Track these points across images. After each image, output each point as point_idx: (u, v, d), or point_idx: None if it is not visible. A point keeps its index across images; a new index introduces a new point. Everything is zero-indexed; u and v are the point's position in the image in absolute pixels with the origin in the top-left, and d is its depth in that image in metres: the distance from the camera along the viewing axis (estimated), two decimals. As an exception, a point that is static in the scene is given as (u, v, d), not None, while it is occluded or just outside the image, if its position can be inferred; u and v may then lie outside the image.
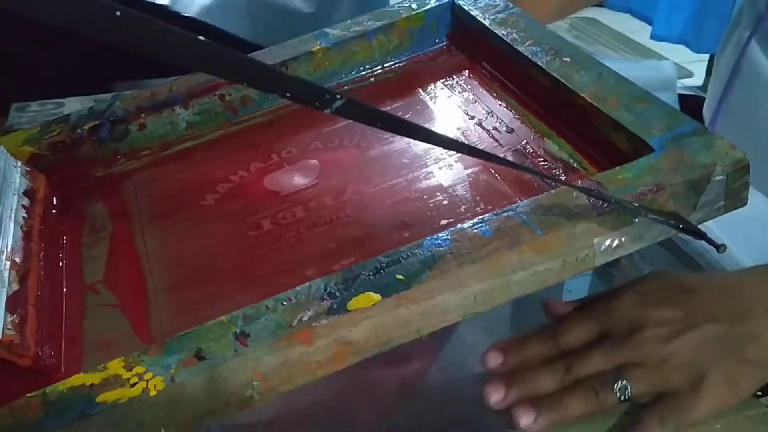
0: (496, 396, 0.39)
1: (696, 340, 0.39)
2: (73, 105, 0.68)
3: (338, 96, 0.30)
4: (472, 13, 0.56)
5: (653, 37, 2.04)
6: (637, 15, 2.16)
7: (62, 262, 0.45)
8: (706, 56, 1.96)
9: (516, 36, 0.51)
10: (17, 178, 0.46)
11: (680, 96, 0.89)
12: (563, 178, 0.42)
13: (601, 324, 0.41)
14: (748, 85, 0.71)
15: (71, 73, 0.84)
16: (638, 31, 2.25)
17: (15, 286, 0.39)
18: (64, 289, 0.43)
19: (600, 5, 2.53)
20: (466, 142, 0.47)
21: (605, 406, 0.38)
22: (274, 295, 0.34)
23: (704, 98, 0.86)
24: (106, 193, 0.51)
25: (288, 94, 0.29)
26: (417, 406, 0.43)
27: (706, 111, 0.82)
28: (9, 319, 0.36)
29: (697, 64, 2.03)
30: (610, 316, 0.41)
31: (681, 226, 0.35)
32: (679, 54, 1.89)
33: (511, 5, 0.55)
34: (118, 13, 0.23)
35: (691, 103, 0.86)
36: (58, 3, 0.22)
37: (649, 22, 2.10)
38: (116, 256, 0.45)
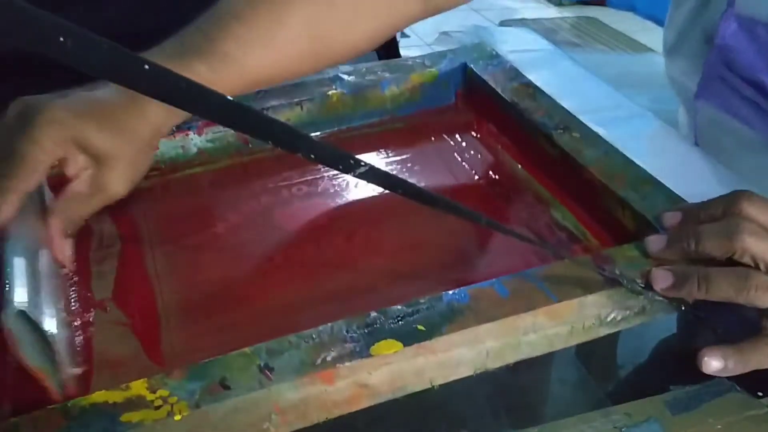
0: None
1: None
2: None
3: (362, 163, 0.31)
4: (483, 77, 0.58)
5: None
6: (641, 14, 2.19)
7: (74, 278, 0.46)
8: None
9: (527, 105, 0.54)
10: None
11: None
12: (570, 247, 0.44)
13: None
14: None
15: (71, 74, 0.83)
16: (639, 30, 2.28)
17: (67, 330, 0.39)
18: (76, 305, 0.43)
19: (602, 4, 2.56)
20: (473, 200, 0.50)
21: None
22: (285, 329, 0.36)
23: None
24: (114, 210, 0.51)
25: (312, 156, 0.30)
26: (417, 406, 0.44)
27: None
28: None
29: None
30: None
31: (683, 307, 0.37)
32: None
33: (522, 74, 0.58)
34: (146, 67, 0.24)
35: None
36: (90, 53, 0.23)
37: (656, 22, 2.11)
38: (125, 275, 0.45)
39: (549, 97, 0.55)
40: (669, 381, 0.39)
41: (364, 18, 0.51)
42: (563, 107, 0.53)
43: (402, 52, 0.97)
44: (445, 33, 2.09)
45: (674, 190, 0.44)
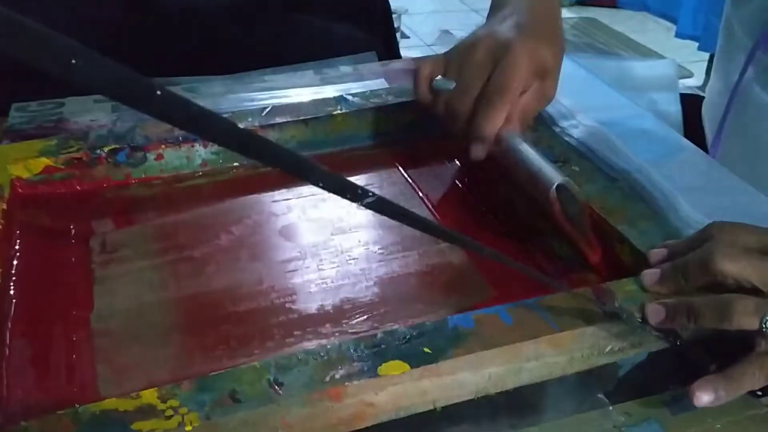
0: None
1: None
2: (73, 105, 0.67)
3: (370, 194, 0.32)
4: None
5: (677, 35, 2.05)
6: (654, 12, 2.21)
7: (69, 279, 0.46)
8: (706, 56, 2.00)
9: (528, 136, 0.55)
10: None
11: (681, 96, 0.88)
12: (567, 276, 0.46)
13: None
14: (746, 113, 0.73)
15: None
16: (638, 31, 2.29)
17: None
18: (70, 306, 0.44)
19: (612, 6, 2.57)
20: (473, 227, 0.51)
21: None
22: (289, 343, 0.38)
23: (703, 97, 0.86)
24: (116, 216, 0.52)
25: (320, 185, 0.31)
26: None
27: (709, 125, 0.82)
28: None
29: (697, 64, 2.06)
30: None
31: (678, 342, 0.38)
32: (678, 54, 1.93)
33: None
34: (159, 93, 0.25)
35: (691, 103, 0.87)
36: (101, 76, 0.24)
37: (670, 20, 2.12)
38: (127, 281, 0.46)
39: (551, 128, 0.56)
40: (669, 381, 0.40)
41: None
42: (564, 140, 0.55)
43: (402, 52, 0.98)
44: (446, 31, 2.10)
45: (674, 190, 0.45)
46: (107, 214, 0.52)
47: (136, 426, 0.32)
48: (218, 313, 0.44)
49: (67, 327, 0.42)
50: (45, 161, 0.53)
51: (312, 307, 0.44)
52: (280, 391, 0.34)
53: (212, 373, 0.34)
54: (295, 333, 0.42)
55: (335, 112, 0.59)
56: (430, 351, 0.36)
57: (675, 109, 0.79)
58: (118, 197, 0.54)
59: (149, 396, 0.33)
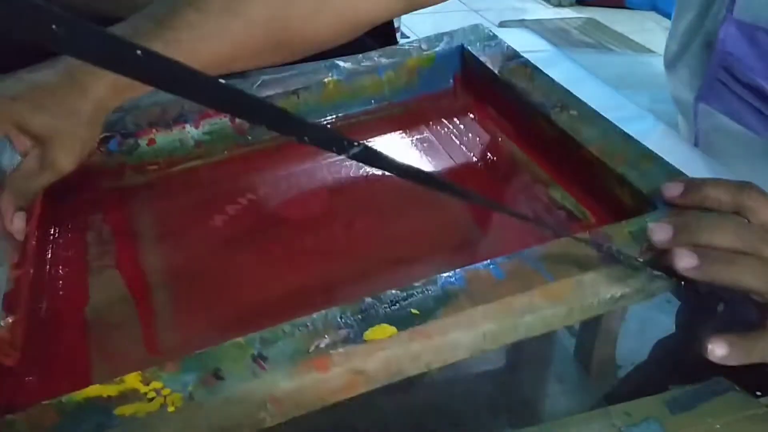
0: (662, 235, 0.37)
1: None
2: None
3: (356, 143, 0.31)
4: (480, 58, 0.58)
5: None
6: (663, 13, 2.18)
7: (66, 270, 0.46)
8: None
9: (524, 86, 0.53)
10: None
11: None
12: (568, 226, 0.44)
13: None
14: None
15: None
16: (638, 31, 2.28)
17: (11, 285, 0.40)
18: (65, 299, 0.43)
19: (602, 5, 2.56)
20: (471, 184, 0.49)
21: None
22: (284, 319, 0.35)
23: None
24: (113, 205, 0.51)
25: (306, 139, 0.30)
26: (417, 406, 0.44)
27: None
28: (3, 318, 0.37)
29: None
30: None
31: (683, 282, 0.36)
32: None
33: (520, 54, 0.57)
34: (139, 53, 0.24)
35: None
36: (82, 41, 0.23)
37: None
38: (123, 270, 0.45)
39: (547, 76, 0.54)
40: (668, 381, 0.38)
41: (328, 11, 0.50)
42: (561, 86, 0.52)
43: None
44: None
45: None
46: (103, 204, 0.52)
47: (119, 411, 0.31)
48: (214, 295, 0.43)
49: (62, 318, 0.42)
50: (37, 157, 0.52)
51: (310, 280, 0.43)
52: (264, 366, 0.33)
53: (196, 352, 0.34)
54: (291, 307, 0.41)
55: (326, 80, 0.58)
56: (418, 312, 0.35)
57: (673, 108, 0.77)
58: (114, 187, 0.54)
59: (132, 380, 0.32)
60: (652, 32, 2.27)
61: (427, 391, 0.45)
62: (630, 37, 2.25)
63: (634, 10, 2.50)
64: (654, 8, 2.34)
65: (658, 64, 0.80)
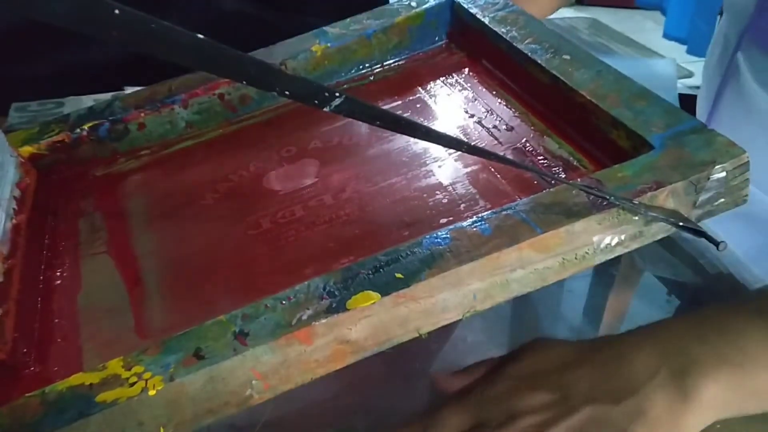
0: None
1: (574, 426, 0.35)
2: (73, 105, 0.68)
3: (337, 94, 0.29)
4: (471, 11, 0.55)
5: (664, 35, 2.03)
6: (665, 12, 2.15)
7: (58, 260, 0.45)
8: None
9: (515, 34, 0.51)
10: (12, 169, 0.47)
11: (680, 96, 0.88)
12: (563, 176, 0.42)
13: (475, 415, 0.38)
14: (736, 101, 0.70)
15: (71, 73, 0.84)
16: (638, 31, 2.25)
17: (0, 278, 0.39)
18: (58, 288, 0.43)
19: (602, 5, 2.53)
20: (466, 140, 0.47)
21: None
22: (274, 294, 0.34)
23: None
24: (105, 193, 0.51)
25: (287, 92, 0.29)
26: (416, 406, 0.43)
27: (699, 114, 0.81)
28: None
29: (697, 64, 2.02)
30: (483, 406, 0.38)
31: (681, 223, 0.34)
32: (678, 54, 1.89)
33: (511, 3, 0.55)
34: (116, 12, 0.23)
35: (691, 103, 0.85)
36: (58, 7, 0.22)
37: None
38: (115, 256, 0.45)
39: (539, 22, 0.52)
40: None
41: None
42: (554, 31, 0.50)
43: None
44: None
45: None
46: (96, 192, 0.51)
47: (100, 398, 0.31)
48: (204, 275, 0.42)
49: (54, 306, 0.42)
50: (29, 149, 0.52)
51: (300, 252, 0.42)
52: (246, 342, 0.32)
53: (177, 333, 0.33)
54: (281, 281, 0.40)
55: (314, 47, 0.56)
56: (402, 276, 0.33)
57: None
58: (108, 174, 0.53)
59: (114, 366, 0.32)
60: (652, 32, 2.23)
61: (427, 391, 0.45)
62: (631, 37, 2.22)
63: (634, 10, 2.46)
64: (661, 8, 2.30)
65: (658, 64, 0.78)
